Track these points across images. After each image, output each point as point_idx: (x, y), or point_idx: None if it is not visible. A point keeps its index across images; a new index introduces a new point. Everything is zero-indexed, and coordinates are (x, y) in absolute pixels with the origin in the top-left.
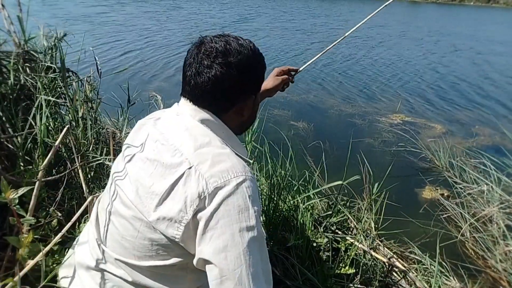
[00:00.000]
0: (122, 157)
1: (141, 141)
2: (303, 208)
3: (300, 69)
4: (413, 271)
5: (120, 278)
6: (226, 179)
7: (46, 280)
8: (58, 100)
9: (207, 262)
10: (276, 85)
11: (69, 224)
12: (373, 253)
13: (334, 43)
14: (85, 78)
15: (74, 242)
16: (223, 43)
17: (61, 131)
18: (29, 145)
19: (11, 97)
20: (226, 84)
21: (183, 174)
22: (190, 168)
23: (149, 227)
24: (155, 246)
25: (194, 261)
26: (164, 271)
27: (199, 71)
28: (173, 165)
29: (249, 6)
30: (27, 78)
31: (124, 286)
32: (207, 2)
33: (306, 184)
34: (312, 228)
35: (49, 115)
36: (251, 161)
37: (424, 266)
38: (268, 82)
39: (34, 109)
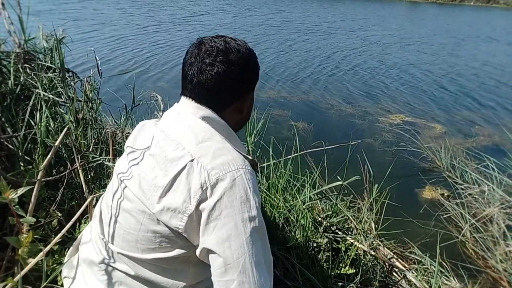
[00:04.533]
0: (125, 155)
1: (144, 140)
2: (303, 208)
3: None
4: (413, 271)
5: (123, 272)
6: (227, 171)
7: (47, 281)
8: (58, 99)
9: (210, 251)
10: None
11: (69, 224)
12: (373, 253)
13: None
14: (85, 78)
15: (76, 242)
16: (223, 42)
17: (61, 131)
18: (29, 145)
19: (11, 97)
20: (228, 80)
21: (185, 166)
22: (192, 160)
23: (152, 219)
24: (158, 238)
25: (198, 252)
26: (166, 264)
27: (202, 69)
28: (175, 158)
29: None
30: (27, 78)
31: (127, 281)
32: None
33: (306, 184)
34: (312, 228)
35: (49, 115)
36: (250, 157)
37: (424, 266)
38: None
39: (34, 109)
